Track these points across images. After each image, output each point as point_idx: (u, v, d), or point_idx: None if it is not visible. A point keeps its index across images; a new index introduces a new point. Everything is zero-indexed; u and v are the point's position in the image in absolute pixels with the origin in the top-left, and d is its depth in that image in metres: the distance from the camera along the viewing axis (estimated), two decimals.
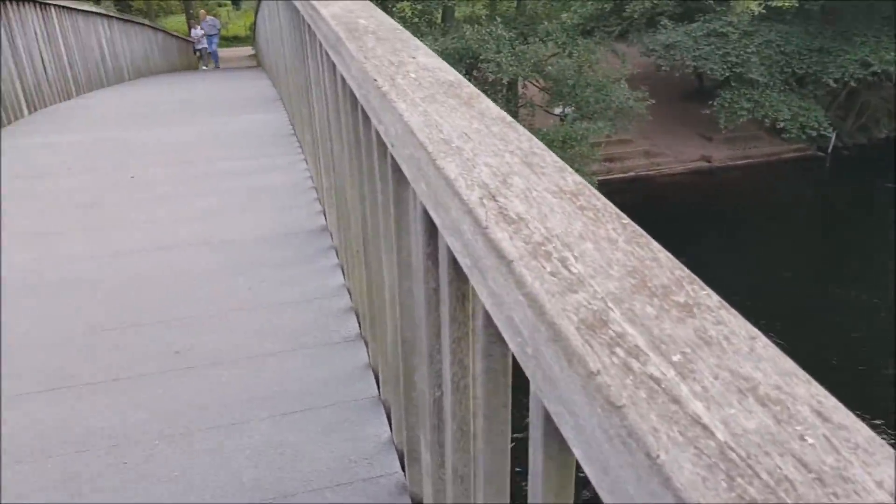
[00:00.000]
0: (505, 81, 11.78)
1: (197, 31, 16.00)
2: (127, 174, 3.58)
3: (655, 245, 0.63)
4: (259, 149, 4.11)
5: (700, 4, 13.86)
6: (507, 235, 0.64)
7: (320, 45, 2.01)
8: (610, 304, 0.54)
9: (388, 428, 1.56)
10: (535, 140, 0.87)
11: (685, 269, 0.60)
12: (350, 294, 2.19)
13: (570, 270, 0.58)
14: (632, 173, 14.17)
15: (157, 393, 1.77)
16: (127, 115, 5.62)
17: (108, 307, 2.22)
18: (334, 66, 1.76)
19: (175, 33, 16.00)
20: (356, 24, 1.52)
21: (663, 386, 0.47)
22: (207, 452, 1.52)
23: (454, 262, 0.91)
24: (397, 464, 1.46)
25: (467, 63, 11.60)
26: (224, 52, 22.28)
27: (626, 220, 0.67)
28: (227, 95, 7.08)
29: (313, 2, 1.90)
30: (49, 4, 6.69)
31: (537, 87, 12.90)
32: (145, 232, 2.81)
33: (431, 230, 1.00)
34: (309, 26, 2.29)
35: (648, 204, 11.76)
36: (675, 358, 0.49)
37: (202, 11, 17.03)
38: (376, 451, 1.51)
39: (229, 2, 33.71)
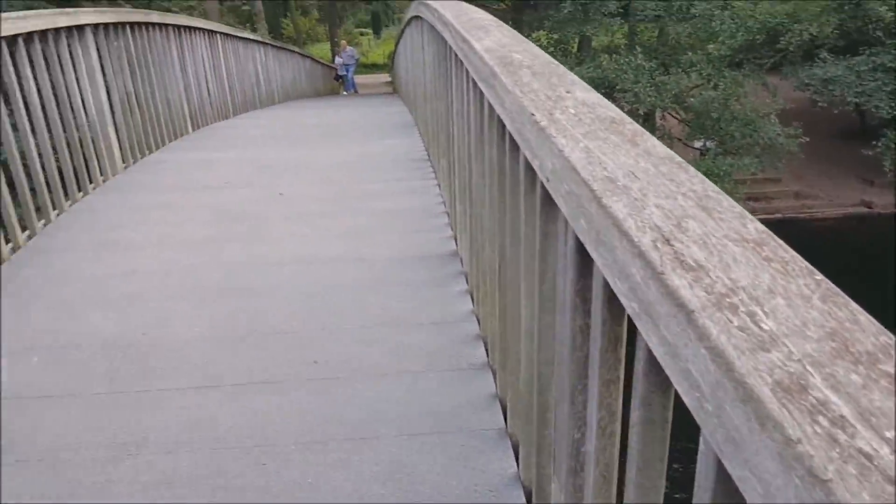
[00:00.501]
0: (641, 112, 11.49)
1: (338, 59, 17.17)
2: (276, 191, 3.89)
3: (854, 306, 0.59)
4: (395, 172, 4.31)
5: (866, 37, 12.75)
6: (686, 283, 0.62)
7: (468, 76, 2.09)
8: (809, 368, 0.51)
9: (514, 462, 1.56)
10: (709, 182, 0.84)
11: (891, 335, 0.55)
12: (479, 321, 2.22)
13: (760, 327, 0.55)
14: (779, 215, 13.19)
15: (295, 399, 1.89)
16: (277, 136, 6.13)
17: (256, 313, 2.42)
18: (482, 97, 1.82)
19: (320, 60, 17.27)
20: (510, 59, 1.56)
21: (876, 464, 0.43)
22: (339, 464, 1.59)
23: (610, 303, 0.90)
24: (523, 500, 1.45)
25: (602, 93, 11.43)
26: (363, 79, 23.69)
27: (819, 275, 0.63)
28: (365, 120, 7.50)
29: (466, 35, 1.98)
30: (215, 32, 7.49)
31: (677, 119, 12.46)
32: (291, 245, 3.04)
33: (584, 267, 0.99)
34: (456, 57, 2.38)
35: (798, 250, 10.83)
36: (889, 434, 0.45)
37: (343, 42, 18.29)
38: (502, 484, 1.50)
39: (371, 31, 35.85)
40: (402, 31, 7.82)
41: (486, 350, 2.05)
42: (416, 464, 1.57)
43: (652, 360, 0.73)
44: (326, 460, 1.61)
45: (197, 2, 18.88)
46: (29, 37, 3.43)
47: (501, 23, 2.10)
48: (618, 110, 1.15)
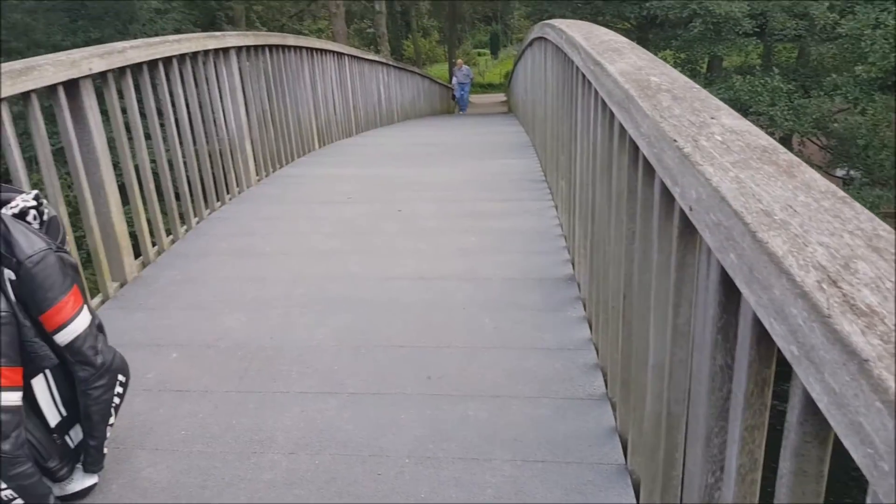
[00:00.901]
0: (777, 137, 10.81)
1: (454, 79, 17.59)
2: (395, 207, 4.04)
3: None
4: (511, 192, 4.34)
5: None
6: (857, 329, 0.59)
7: (596, 98, 2.08)
8: None
9: (634, 500, 1.51)
10: (878, 220, 0.79)
11: None
12: (597, 350, 2.18)
13: None
14: None
15: (410, 413, 1.95)
16: (396, 154, 6.38)
17: (374, 325, 2.52)
18: (612, 120, 1.80)
19: (438, 80, 17.77)
20: (648, 82, 1.54)
21: None
22: (452, 482, 1.62)
23: (759, 343, 0.86)
24: None
25: None
26: (478, 98, 24.10)
27: None
28: (482, 139, 7.63)
29: (597, 58, 1.97)
30: (344, 54, 7.93)
31: (817, 145, 11.60)
32: (408, 261, 3.14)
33: (729, 303, 0.96)
34: (584, 79, 2.37)
35: None
36: None
37: (459, 61, 18.69)
38: None
39: (488, 51, 36.43)
40: (523, 52, 7.89)
41: (605, 381, 2.01)
42: (531, 491, 1.56)
43: (809, 407, 0.69)
44: (440, 477, 1.64)
45: (326, 24, 20.11)
46: (182, 58, 3.81)
47: (635, 45, 2.07)
48: (769, 138, 1.10)
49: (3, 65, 2.45)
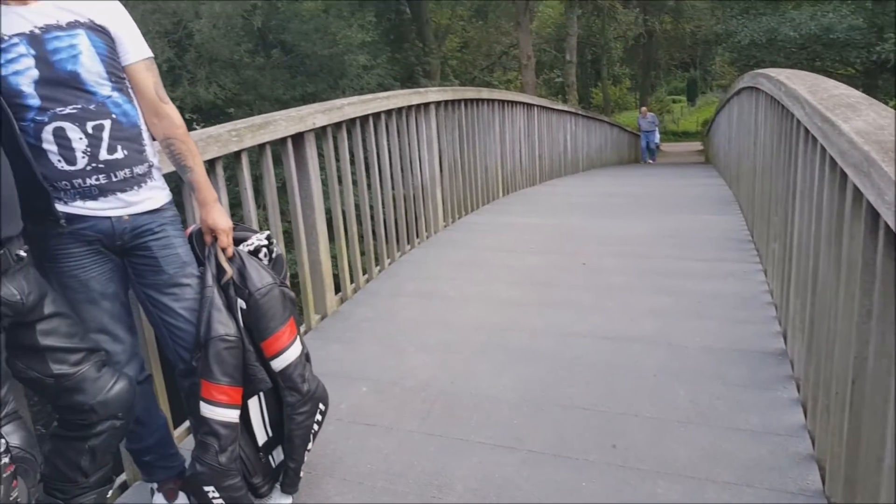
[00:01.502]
0: None
1: (640, 126, 17.17)
2: (579, 260, 4.02)
3: None
4: (711, 251, 4.10)
5: None
6: None
7: (824, 157, 1.92)
8: None
9: None
10: None
11: None
12: (813, 440, 1.95)
13: None
14: None
15: (592, 482, 1.89)
16: (582, 204, 6.36)
17: (555, 381, 2.50)
18: (844, 182, 1.65)
19: (627, 128, 17.48)
20: (893, 144, 1.39)
21: None
22: None
23: None
24: None
25: None
26: (672, 147, 23.25)
27: None
28: (676, 191, 7.33)
29: (827, 114, 1.83)
30: (533, 105, 8.15)
31: None
32: (594, 318, 3.10)
33: None
34: (807, 134, 2.21)
35: None
36: None
37: (644, 109, 18.22)
38: None
39: (684, 98, 35.15)
40: (728, 101, 7.51)
41: (822, 477, 1.79)
42: None
43: None
44: None
45: (515, 75, 20.89)
46: (389, 113, 4.20)
47: (873, 100, 1.89)
48: None
49: (245, 120, 2.89)
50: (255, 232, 2.09)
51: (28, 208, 1.57)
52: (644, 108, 18.24)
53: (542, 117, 8.53)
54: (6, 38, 1.57)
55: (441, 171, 5.14)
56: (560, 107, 10.10)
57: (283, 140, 3.04)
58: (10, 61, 1.57)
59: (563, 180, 8.97)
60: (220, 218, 1.92)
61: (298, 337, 2.04)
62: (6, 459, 1.28)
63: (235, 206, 3.00)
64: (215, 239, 1.92)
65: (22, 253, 1.54)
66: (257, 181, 2.97)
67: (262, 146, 2.86)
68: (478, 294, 3.59)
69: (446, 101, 5.24)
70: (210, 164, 2.53)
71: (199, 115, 15.28)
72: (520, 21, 15.66)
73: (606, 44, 23.27)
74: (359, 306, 3.52)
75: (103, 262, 1.77)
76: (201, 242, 1.95)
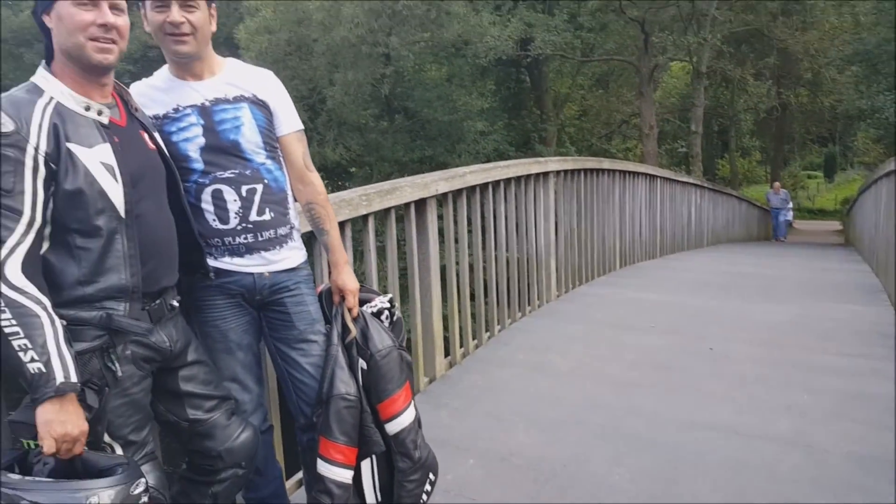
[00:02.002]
0: None
1: (770, 202, 16.32)
2: (705, 344, 3.83)
3: None
4: (856, 346, 3.78)
5: None
6: None
7: None
8: None
9: None
10: None
11: None
12: None
13: None
14: None
15: None
16: (706, 282, 6.09)
17: (679, 478, 2.36)
18: None
19: (756, 202, 16.69)
20: None
21: None
22: None
23: None
24: None
25: None
26: (806, 225, 21.92)
27: None
28: (813, 274, 6.85)
29: None
30: (656, 176, 8.02)
31: None
32: (720, 410, 2.92)
33: None
34: None
35: None
36: None
37: (776, 184, 17.34)
38: None
39: (821, 174, 33.27)
40: (875, 182, 7.03)
41: None
42: None
43: None
44: None
45: (635, 143, 20.70)
46: (508, 181, 4.29)
47: None
48: None
49: (374, 185, 3.07)
50: (379, 294, 2.18)
51: (183, 261, 1.74)
52: (777, 184, 17.41)
53: (665, 188, 8.37)
54: (181, 108, 1.80)
55: (556, 239, 5.14)
56: (684, 178, 9.88)
57: (406, 205, 3.19)
58: (182, 129, 1.80)
59: (686, 255, 8.67)
60: (349, 279, 2.03)
61: (413, 402, 2.07)
62: (145, 499, 1.38)
63: (358, 266, 3.15)
64: (343, 298, 2.03)
65: (175, 303, 1.70)
66: (380, 251, 3.11)
67: (387, 210, 3.01)
68: (593, 371, 3.49)
69: (566, 171, 5.28)
70: (340, 226, 2.69)
71: (324, 173, 16.31)
72: (643, 91, 15.63)
73: (735, 115, 22.62)
74: (468, 373, 3.53)
75: (242, 314, 1.92)
76: (330, 301, 2.07)
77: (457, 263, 3.75)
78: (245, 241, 1.85)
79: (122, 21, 1.51)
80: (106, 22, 1.46)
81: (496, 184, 4.12)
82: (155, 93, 1.82)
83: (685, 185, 9.56)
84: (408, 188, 3.14)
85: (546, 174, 4.88)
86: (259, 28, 13.47)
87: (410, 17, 12.89)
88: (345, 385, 1.93)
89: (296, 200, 2.01)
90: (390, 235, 3.09)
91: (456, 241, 3.71)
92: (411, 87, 15.48)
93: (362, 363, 2.01)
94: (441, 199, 3.54)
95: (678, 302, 5.12)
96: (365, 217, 2.84)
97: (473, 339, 3.93)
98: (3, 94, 1.43)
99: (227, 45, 14.06)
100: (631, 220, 7.03)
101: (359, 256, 3.03)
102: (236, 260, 1.87)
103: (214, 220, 1.82)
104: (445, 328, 3.59)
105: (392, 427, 1.99)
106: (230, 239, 1.84)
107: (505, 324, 4.30)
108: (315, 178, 2.01)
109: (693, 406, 2.97)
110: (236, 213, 1.83)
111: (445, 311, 3.59)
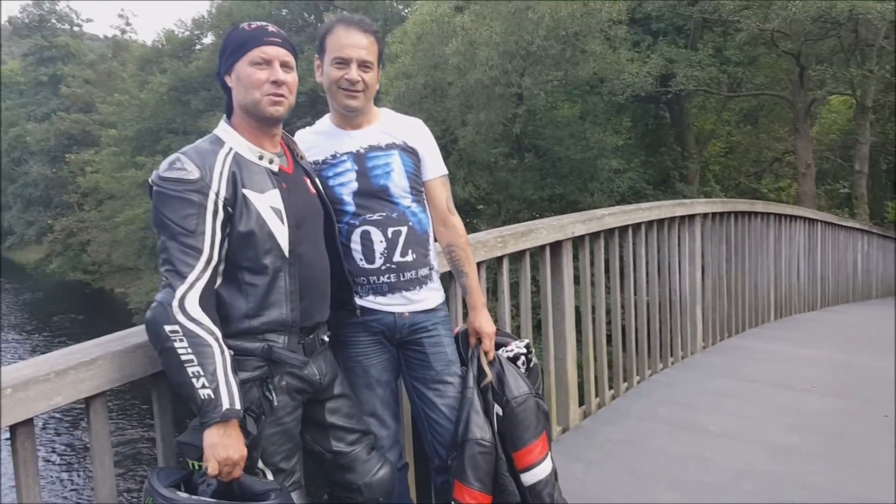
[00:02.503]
0: None
1: None
2: (878, 410, 3.44)
3: None
4: None
5: None
6: None
7: None
8: None
9: None
10: None
11: None
12: None
13: None
14: None
15: None
16: (877, 339, 5.48)
17: None
18: None
19: None
20: None
21: None
22: None
23: None
24: None
25: None
26: None
27: None
28: None
29: None
30: (816, 220, 7.43)
31: None
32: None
33: None
34: None
35: None
36: None
37: None
38: None
39: None
40: None
41: None
42: None
43: None
44: None
45: (788, 183, 19.35)
46: (650, 224, 4.15)
47: None
48: None
49: (510, 227, 3.10)
50: (516, 339, 2.18)
51: (332, 297, 1.85)
52: None
53: (827, 233, 7.74)
54: (338, 155, 1.97)
55: (703, 285, 4.89)
56: (849, 223, 9.08)
57: (542, 247, 3.17)
58: (338, 174, 1.96)
59: (852, 307, 7.90)
60: (485, 322, 2.06)
61: (549, 454, 2.03)
62: None
63: (492, 307, 3.16)
64: (479, 341, 2.06)
65: (326, 338, 1.82)
66: (513, 289, 3.12)
67: (522, 252, 3.02)
68: (744, 433, 3.24)
69: (713, 213, 5.04)
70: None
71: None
72: (798, 127, 14.64)
73: None
74: (604, 424, 3.40)
75: (383, 352, 2.01)
76: (466, 343, 2.10)
77: (593, 308, 3.67)
78: (388, 281, 1.95)
79: (292, 78, 1.69)
80: (277, 79, 1.64)
81: (636, 226, 4.01)
82: (317, 139, 1.99)
83: (850, 230, 8.78)
84: (543, 230, 3.13)
85: (692, 217, 4.68)
86: (398, 73, 14.19)
87: (545, 56, 13.03)
88: (480, 430, 1.94)
89: (436, 241, 2.09)
90: (524, 278, 3.09)
91: (592, 284, 3.64)
92: (543, 125, 15.56)
93: (498, 409, 2.01)
94: (577, 241, 3.49)
95: (843, 360, 4.65)
96: (500, 259, 2.87)
97: (610, 388, 3.79)
98: (191, 146, 1.63)
99: None
100: (787, 268, 6.54)
101: (492, 297, 3.05)
102: (379, 299, 1.97)
103: (361, 259, 1.94)
104: (580, 375, 3.50)
105: (528, 478, 1.96)
106: (374, 278, 1.95)
107: (644, 374, 4.12)
108: (457, 220, 2.09)
109: (871, 484, 2.67)
110: (381, 254, 1.93)
111: (580, 357, 3.51)
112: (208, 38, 23.71)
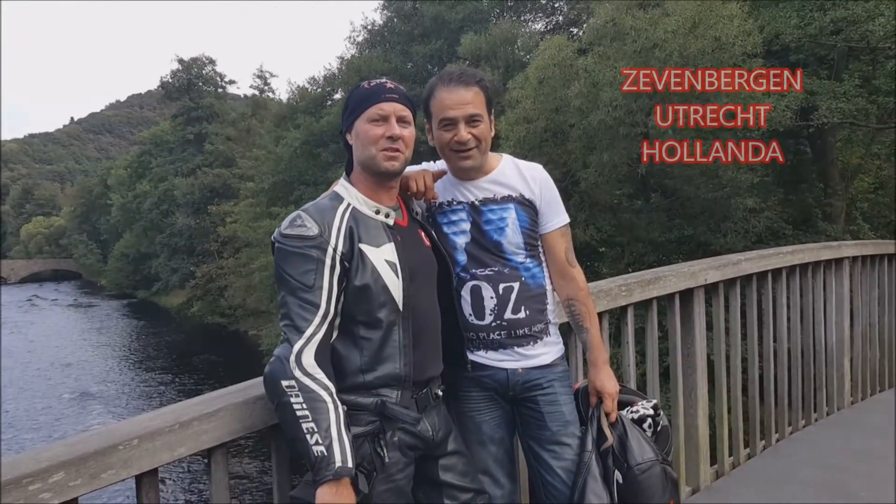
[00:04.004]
0: None
1: None
2: None
3: None
4: None
5: None
6: None
7: None
8: None
9: None
10: None
11: None
12: None
13: None
14: None
15: None
16: None
17: None
18: None
19: None
20: None
21: None
22: None
23: None
24: None
25: None
26: None
27: None
28: None
29: None
30: None
31: None
32: None
33: None
34: None
35: None
36: None
37: None
38: None
39: None
40: None
41: None
42: None
43: None
44: None
45: None
46: (791, 269, 3.96)
47: None
48: None
49: (636, 274, 3.08)
50: (642, 398, 2.10)
51: (445, 351, 1.85)
52: None
53: None
54: (454, 203, 1.99)
55: (852, 335, 4.55)
56: None
57: (670, 296, 3.13)
58: (452, 223, 1.98)
59: None
60: (607, 381, 1.99)
61: None
62: None
63: (614, 358, 3.13)
64: (600, 401, 1.99)
65: (439, 392, 1.82)
66: (638, 335, 3.08)
67: (648, 301, 2.99)
68: None
69: (864, 256, 4.71)
70: (597, 317, 2.75)
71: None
72: None
73: None
74: (738, 486, 3.24)
75: (496, 408, 1.99)
76: (586, 401, 2.03)
77: (727, 357, 3.53)
78: (498, 338, 1.93)
79: (408, 132, 1.75)
80: (392, 134, 1.70)
81: (776, 272, 3.83)
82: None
83: None
84: (672, 277, 3.09)
85: (839, 260, 4.41)
86: (518, 119, 14.40)
87: (673, 94, 12.78)
88: (597, 498, 1.86)
89: (554, 289, 2.05)
90: (651, 326, 3.05)
91: (727, 332, 3.51)
92: (671, 164, 15.14)
93: (618, 475, 1.91)
94: (710, 289, 3.39)
95: None
96: (624, 308, 2.85)
97: (745, 447, 3.61)
98: (311, 203, 1.73)
99: None
100: None
101: (615, 344, 3.03)
102: (490, 354, 1.95)
103: (471, 314, 1.93)
104: (712, 431, 3.36)
105: None
106: (484, 334, 1.93)
107: (784, 431, 3.88)
108: (577, 273, 2.04)
109: None
110: (491, 311, 1.92)
111: (712, 410, 3.38)
112: (338, 94, 25.33)
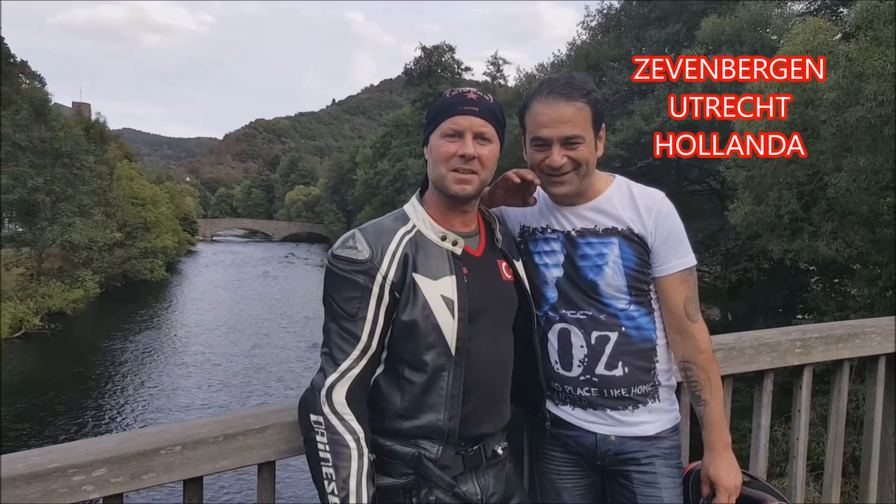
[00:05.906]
0: None
1: None
2: None
3: None
4: None
5: None
6: None
7: None
8: None
9: None
10: None
11: None
12: None
13: None
14: None
15: None
16: None
17: None
18: None
19: None
20: None
21: None
22: None
23: None
24: None
25: None
26: None
27: None
28: None
29: None
30: None
31: None
32: None
33: None
34: None
35: None
36: None
37: None
38: None
39: None
40: None
41: None
42: None
43: None
44: None
45: None
46: None
47: None
48: None
49: (820, 326, 2.41)
50: (776, 497, 1.64)
51: (523, 399, 1.61)
52: None
53: None
54: (549, 230, 1.68)
55: None
56: None
57: (872, 358, 2.41)
58: (544, 253, 1.67)
59: None
60: (726, 472, 1.60)
61: None
62: None
63: (777, 431, 2.51)
64: (713, 493, 1.60)
65: (499, 450, 1.56)
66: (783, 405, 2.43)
67: (836, 363, 2.33)
68: None
69: None
70: (758, 375, 2.19)
71: (815, 268, 14.46)
72: None
73: None
74: None
75: (581, 475, 1.69)
76: (697, 489, 1.65)
77: None
78: (587, 395, 1.62)
79: (487, 151, 1.50)
80: (465, 153, 1.47)
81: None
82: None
83: None
84: (876, 336, 2.37)
85: None
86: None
87: None
88: None
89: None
90: (838, 397, 2.37)
91: None
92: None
93: None
94: None
95: None
96: (798, 369, 2.25)
97: None
98: (371, 222, 1.54)
99: None
100: None
101: (778, 416, 2.41)
102: (578, 412, 1.64)
103: (556, 362, 1.65)
104: None
105: None
106: (570, 388, 1.64)
107: None
108: (698, 329, 1.63)
109: None
110: (580, 362, 1.62)
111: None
112: None
